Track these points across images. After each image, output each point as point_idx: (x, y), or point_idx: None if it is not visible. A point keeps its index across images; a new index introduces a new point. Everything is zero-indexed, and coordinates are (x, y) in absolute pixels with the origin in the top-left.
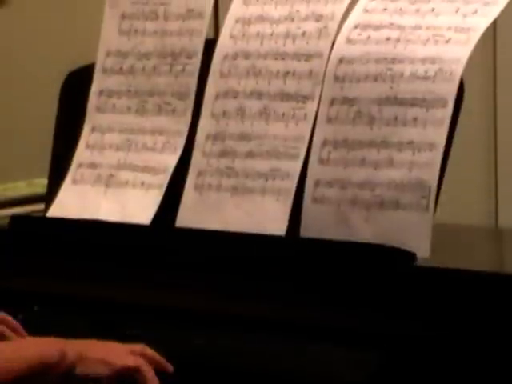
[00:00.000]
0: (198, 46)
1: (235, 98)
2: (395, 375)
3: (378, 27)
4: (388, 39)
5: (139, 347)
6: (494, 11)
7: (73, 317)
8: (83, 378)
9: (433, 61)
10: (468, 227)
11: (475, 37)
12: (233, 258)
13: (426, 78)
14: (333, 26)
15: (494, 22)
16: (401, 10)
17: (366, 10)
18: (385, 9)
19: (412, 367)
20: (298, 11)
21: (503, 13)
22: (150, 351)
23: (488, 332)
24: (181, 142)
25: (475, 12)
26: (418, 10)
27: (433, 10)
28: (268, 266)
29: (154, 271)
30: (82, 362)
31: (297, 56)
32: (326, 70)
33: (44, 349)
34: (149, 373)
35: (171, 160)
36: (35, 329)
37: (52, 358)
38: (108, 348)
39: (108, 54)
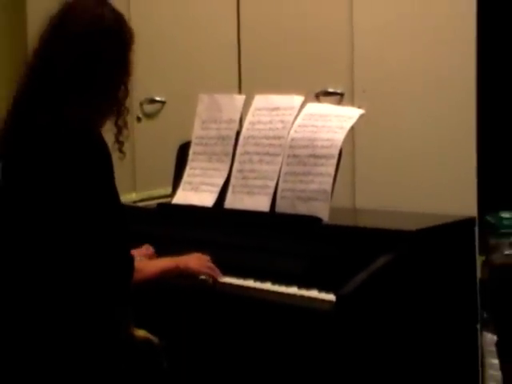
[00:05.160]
0: (233, 134)
1: (248, 154)
2: (316, 274)
3: (306, 126)
4: (311, 131)
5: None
6: (353, 119)
7: (182, 247)
8: (187, 276)
9: (329, 140)
10: (341, 208)
11: (345, 130)
12: (246, 220)
13: (326, 147)
14: (288, 125)
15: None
16: (316, 119)
17: (302, 119)
18: (310, 119)
19: (321, 270)
20: (273, 118)
21: (360, 118)
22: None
23: (360, 252)
24: (225, 173)
25: (346, 120)
26: (324, 119)
27: (330, 119)
28: (260, 222)
29: (215, 227)
30: (186, 269)
31: (273, 138)
32: (285, 143)
33: (167, 263)
34: (215, 271)
35: (221, 180)
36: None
37: (170, 267)
38: (197, 259)
39: (196, 138)
